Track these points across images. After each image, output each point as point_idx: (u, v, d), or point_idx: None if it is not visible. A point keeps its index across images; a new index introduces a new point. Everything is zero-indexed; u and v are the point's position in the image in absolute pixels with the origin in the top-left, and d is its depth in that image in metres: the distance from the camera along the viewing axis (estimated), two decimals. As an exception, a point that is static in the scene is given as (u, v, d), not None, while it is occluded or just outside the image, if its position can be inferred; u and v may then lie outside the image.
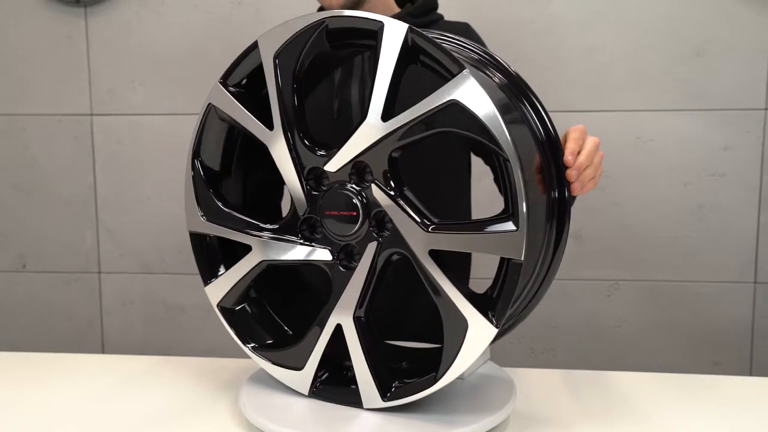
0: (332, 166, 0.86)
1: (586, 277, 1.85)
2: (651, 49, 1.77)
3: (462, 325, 0.80)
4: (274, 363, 0.93)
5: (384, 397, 0.86)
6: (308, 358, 0.90)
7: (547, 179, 0.85)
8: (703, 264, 1.82)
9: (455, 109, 0.78)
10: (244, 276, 0.93)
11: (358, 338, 0.87)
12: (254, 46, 0.88)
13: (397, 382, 0.87)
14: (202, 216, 0.94)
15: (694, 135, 1.78)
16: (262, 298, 0.97)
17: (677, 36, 1.75)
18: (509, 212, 0.77)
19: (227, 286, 0.94)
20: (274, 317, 0.97)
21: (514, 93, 0.89)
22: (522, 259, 0.75)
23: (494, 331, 0.79)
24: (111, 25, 1.90)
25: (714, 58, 1.75)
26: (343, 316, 0.87)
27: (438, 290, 0.81)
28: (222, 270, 0.95)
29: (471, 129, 0.79)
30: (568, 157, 0.86)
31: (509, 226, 0.76)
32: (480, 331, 0.79)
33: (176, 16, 1.88)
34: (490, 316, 0.79)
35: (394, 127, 0.81)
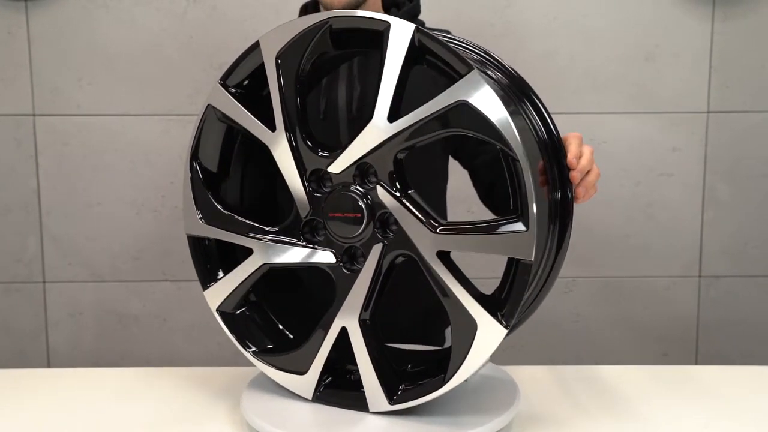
0: (336, 167, 0.85)
1: (546, 274, 1.90)
2: (604, 54, 1.84)
3: (471, 327, 0.80)
4: (276, 367, 0.92)
5: (391, 400, 0.86)
6: (312, 362, 0.89)
7: (551, 180, 0.87)
8: (653, 260, 1.92)
9: (462, 109, 0.78)
10: (244, 280, 0.91)
11: (363, 341, 0.86)
12: (255, 46, 0.86)
13: (404, 385, 0.86)
14: (200, 219, 0.92)
15: (644, 137, 1.87)
16: (262, 301, 0.95)
17: (628, 42, 1.83)
18: (519, 213, 0.78)
19: (227, 290, 0.92)
20: (275, 321, 0.96)
21: (515, 94, 0.90)
22: (532, 259, 0.77)
23: (504, 332, 0.79)
24: (55, 20, 1.79)
25: (662, 64, 1.84)
26: (348, 320, 0.86)
27: (446, 292, 0.81)
28: (221, 274, 0.93)
29: (477, 129, 0.79)
30: (571, 159, 0.87)
31: (519, 226, 0.77)
32: (489, 332, 0.80)
33: (126, 11, 1.80)
34: (499, 317, 0.79)
35: (401, 128, 0.81)
